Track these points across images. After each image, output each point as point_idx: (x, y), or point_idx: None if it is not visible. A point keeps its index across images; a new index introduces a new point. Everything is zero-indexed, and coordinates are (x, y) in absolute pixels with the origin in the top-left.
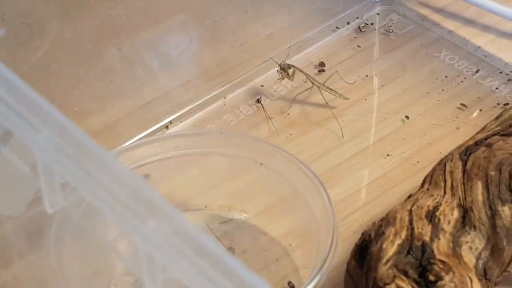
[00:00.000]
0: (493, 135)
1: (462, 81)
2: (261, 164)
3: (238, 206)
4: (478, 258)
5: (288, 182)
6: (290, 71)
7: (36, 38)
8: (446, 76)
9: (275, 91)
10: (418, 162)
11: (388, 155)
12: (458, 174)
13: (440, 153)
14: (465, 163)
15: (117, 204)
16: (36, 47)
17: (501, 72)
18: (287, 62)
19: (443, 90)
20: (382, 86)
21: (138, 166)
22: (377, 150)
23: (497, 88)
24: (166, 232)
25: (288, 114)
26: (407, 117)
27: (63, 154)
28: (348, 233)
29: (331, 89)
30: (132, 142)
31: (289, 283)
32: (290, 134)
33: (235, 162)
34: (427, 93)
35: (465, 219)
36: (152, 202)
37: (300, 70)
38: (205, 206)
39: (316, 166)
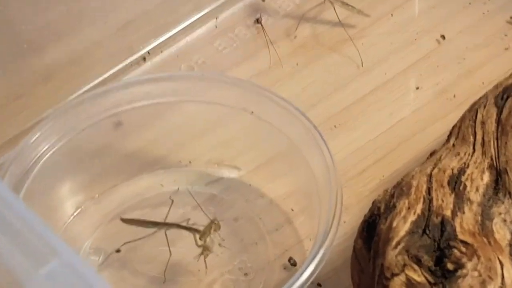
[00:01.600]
0: None
1: None
2: (252, 113)
3: (228, 162)
4: None
5: (284, 133)
6: None
7: None
8: None
9: (279, 7)
10: (454, 96)
11: (417, 88)
12: (491, 126)
13: (483, 83)
14: (500, 111)
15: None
16: None
17: None
18: None
19: None
20: None
21: (109, 116)
22: (404, 82)
23: None
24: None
25: (295, 37)
26: (443, 37)
27: None
28: (365, 192)
29: (347, 4)
30: (101, 82)
31: (290, 259)
32: (297, 64)
33: (221, 111)
34: (469, 4)
35: (498, 184)
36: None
37: None
38: (190, 162)
39: (326, 105)
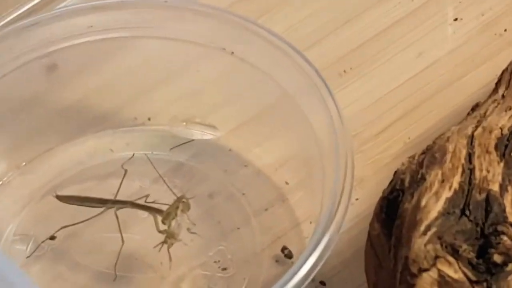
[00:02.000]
0: None
1: None
2: (232, 53)
3: (201, 119)
4: None
5: (275, 81)
6: None
7: None
8: None
9: None
10: (505, 31)
11: (455, 19)
12: None
13: None
14: None
15: None
16: None
17: None
18: None
19: None
20: None
21: (40, 56)
22: (438, 11)
23: None
24: None
25: None
26: None
27: None
28: (383, 160)
29: None
30: (29, 10)
31: (284, 249)
32: None
33: (191, 50)
34: None
35: None
36: None
37: None
38: (148, 119)
39: (332, 43)
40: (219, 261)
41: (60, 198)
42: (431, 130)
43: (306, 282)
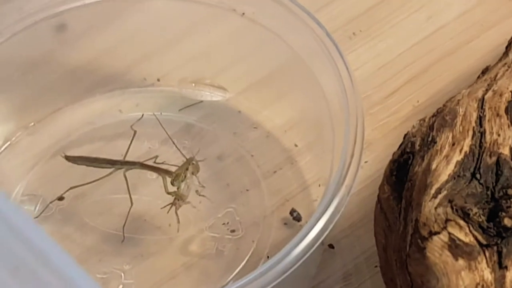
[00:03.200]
0: None
1: None
2: (243, 14)
3: (210, 80)
4: None
5: (285, 42)
6: None
7: None
8: None
9: None
10: None
11: None
12: None
13: None
14: None
15: None
16: None
17: None
18: None
19: None
20: None
21: (48, 16)
22: None
23: None
24: None
25: None
26: None
27: None
28: (393, 123)
29: None
30: None
31: (293, 212)
32: None
33: (200, 11)
34: None
35: None
36: None
37: None
38: (158, 80)
39: (342, 4)
40: (227, 223)
41: (68, 158)
42: (440, 94)
43: (316, 245)
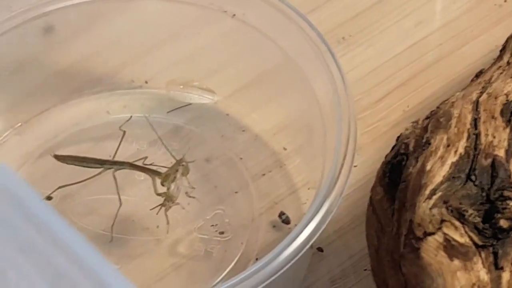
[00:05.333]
0: None
1: None
2: (234, 16)
3: (199, 82)
4: None
5: (276, 45)
6: None
7: None
8: None
9: None
10: (505, 1)
11: None
12: None
13: None
14: None
15: None
16: None
17: None
18: None
19: None
20: None
21: (36, 17)
22: None
23: None
24: None
25: None
26: None
27: None
28: (382, 128)
29: None
30: None
31: (282, 215)
32: None
33: (190, 12)
34: None
35: None
36: None
37: None
38: (146, 82)
39: (333, 9)
40: (216, 224)
41: (58, 157)
42: (430, 99)
43: (305, 249)
